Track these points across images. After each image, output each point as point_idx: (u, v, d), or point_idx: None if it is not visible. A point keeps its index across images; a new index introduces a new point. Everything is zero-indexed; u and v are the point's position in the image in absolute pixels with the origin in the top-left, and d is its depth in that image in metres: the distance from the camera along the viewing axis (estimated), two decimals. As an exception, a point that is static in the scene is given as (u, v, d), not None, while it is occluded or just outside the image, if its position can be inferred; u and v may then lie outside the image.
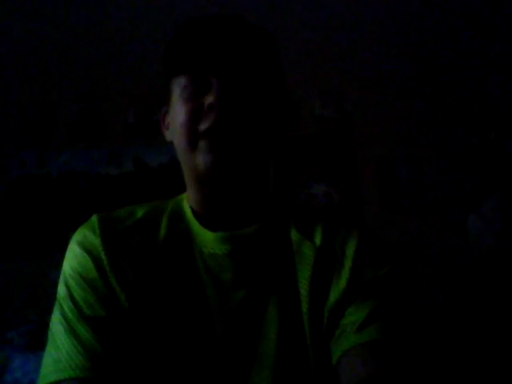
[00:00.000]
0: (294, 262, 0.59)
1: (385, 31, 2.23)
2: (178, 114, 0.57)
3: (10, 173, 2.44)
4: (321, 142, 2.52)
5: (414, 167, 2.48)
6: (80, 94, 2.58)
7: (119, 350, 0.52)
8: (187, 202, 0.64)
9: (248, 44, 0.57)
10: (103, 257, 0.56)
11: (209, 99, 0.54)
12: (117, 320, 0.54)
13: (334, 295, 0.56)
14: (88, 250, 0.57)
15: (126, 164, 2.46)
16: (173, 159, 2.34)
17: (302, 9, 2.03)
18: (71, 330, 0.52)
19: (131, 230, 0.60)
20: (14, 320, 2.06)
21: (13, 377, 1.89)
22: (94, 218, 0.61)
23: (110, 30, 2.15)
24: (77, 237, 0.59)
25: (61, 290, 0.57)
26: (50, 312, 0.57)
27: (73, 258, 0.58)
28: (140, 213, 0.63)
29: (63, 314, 0.54)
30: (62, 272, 0.58)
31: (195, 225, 0.61)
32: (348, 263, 0.57)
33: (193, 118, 0.55)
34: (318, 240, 0.60)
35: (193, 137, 0.55)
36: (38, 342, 1.95)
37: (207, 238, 0.59)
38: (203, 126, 0.54)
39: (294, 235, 0.61)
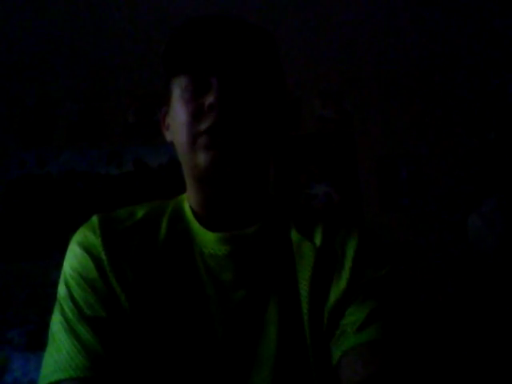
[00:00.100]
0: (294, 262, 0.59)
1: (385, 31, 2.23)
2: (178, 114, 0.58)
3: (9, 173, 2.43)
4: (321, 142, 2.51)
5: (414, 167, 2.48)
6: (80, 94, 2.57)
7: (119, 350, 0.52)
8: (187, 202, 0.64)
9: (248, 44, 0.57)
10: (103, 257, 0.56)
11: (209, 99, 0.54)
12: (117, 320, 0.54)
13: (334, 295, 0.56)
14: (88, 250, 0.57)
15: (126, 164, 2.46)
16: (173, 159, 2.34)
17: (302, 9, 2.03)
18: (71, 330, 0.52)
19: (131, 231, 0.60)
20: (14, 320, 2.06)
21: (13, 377, 1.90)
22: (95, 219, 0.61)
23: (110, 29, 2.15)
24: (77, 237, 0.60)
25: (61, 290, 0.57)
26: (50, 312, 0.57)
27: (73, 258, 0.58)
28: (140, 213, 0.63)
29: (63, 314, 0.54)
30: (62, 272, 0.58)
31: (195, 225, 0.61)
32: (348, 263, 0.58)
33: (193, 118, 0.55)
34: (318, 240, 0.60)
35: (193, 136, 0.55)
36: (38, 341, 1.96)
37: (207, 239, 0.59)
38: (203, 126, 0.54)
39: (294, 235, 0.61)
